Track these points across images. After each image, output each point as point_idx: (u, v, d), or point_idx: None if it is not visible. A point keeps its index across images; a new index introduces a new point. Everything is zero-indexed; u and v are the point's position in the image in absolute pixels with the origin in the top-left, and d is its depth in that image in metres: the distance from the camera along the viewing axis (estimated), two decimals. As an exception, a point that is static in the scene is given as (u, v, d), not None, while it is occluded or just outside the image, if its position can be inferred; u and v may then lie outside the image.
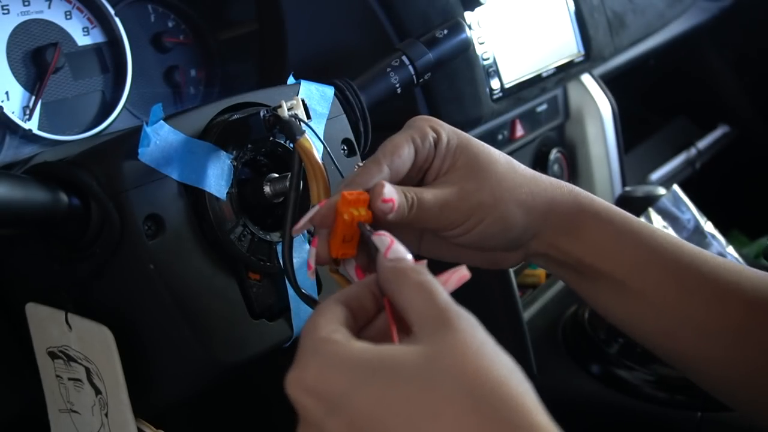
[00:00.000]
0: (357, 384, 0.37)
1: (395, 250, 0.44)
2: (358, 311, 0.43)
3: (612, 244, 0.55)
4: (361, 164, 0.54)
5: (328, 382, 0.38)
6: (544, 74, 1.05)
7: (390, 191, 0.50)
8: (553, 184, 0.57)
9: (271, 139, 0.61)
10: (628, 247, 0.55)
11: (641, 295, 0.55)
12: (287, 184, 0.58)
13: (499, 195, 0.54)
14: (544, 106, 1.16)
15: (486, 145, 0.57)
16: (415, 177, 0.56)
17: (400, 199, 0.51)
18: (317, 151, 0.64)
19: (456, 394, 0.36)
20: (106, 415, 0.58)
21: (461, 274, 0.44)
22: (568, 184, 0.58)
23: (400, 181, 0.55)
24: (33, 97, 0.76)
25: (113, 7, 0.82)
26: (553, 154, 1.17)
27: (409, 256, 0.44)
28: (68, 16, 0.80)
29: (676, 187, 1.12)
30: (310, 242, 0.63)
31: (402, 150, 0.53)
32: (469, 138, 0.56)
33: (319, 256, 0.50)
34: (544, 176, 0.58)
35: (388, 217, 0.50)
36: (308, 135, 0.56)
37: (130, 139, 0.56)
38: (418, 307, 0.40)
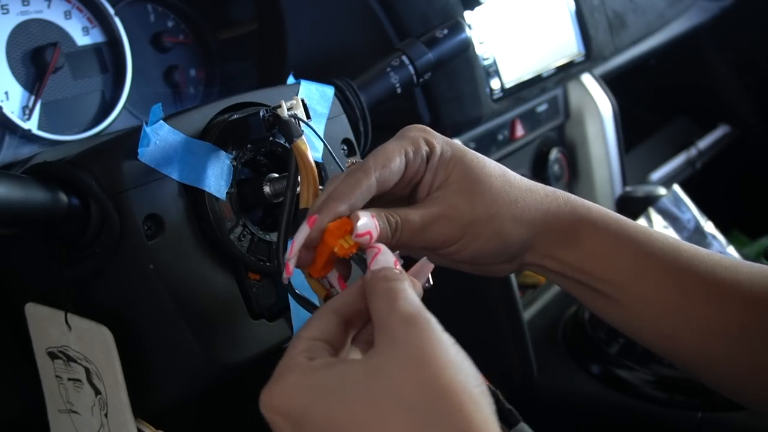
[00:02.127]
0: (313, 402, 0.40)
1: (378, 260, 0.46)
2: (355, 316, 0.45)
3: (609, 251, 0.55)
4: (350, 163, 0.53)
5: (290, 402, 0.41)
6: (545, 74, 1.05)
7: (364, 224, 0.48)
8: (548, 196, 0.56)
9: (270, 139, 0.61)
10: (626, 253, 0.55)
11: (641, 299, 0.55)
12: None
13: (493, 211, 0.53)
14: (544, 106, 1.16)
15: (481, 157, 0.55)
16: (402, 191, 0.54)
17: (382, 225, 0.49)
18: (317, 151, 0.64)
19: (396, 408, 0.38)
20: (106, 415, 0.58)
21: (424, 265, 0.47)
22: (563, 193, 0.57)
23: (388, 195, 0.54)
24: (32, 97, 0.76)
25: (113, 6, 0.82)
26: (553, 154, 1.17)
27: (392, 264, 0.46)
28: (68, 16, 0.80)
29: (676, 187, 1.12)
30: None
31: (393, 162, 0.51)
32: (464, 151, 0.54)
33: (299, 261, 0.50)
34: (539, 186, 0.56)
35: (370, 243, 0.49)
36: (308, 135, 0.56)
37: (129, 139, 0.55)
38: (379, 317, 0.43)
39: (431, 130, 0.55)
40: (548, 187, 0.57)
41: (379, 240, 0.49)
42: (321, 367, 0.42)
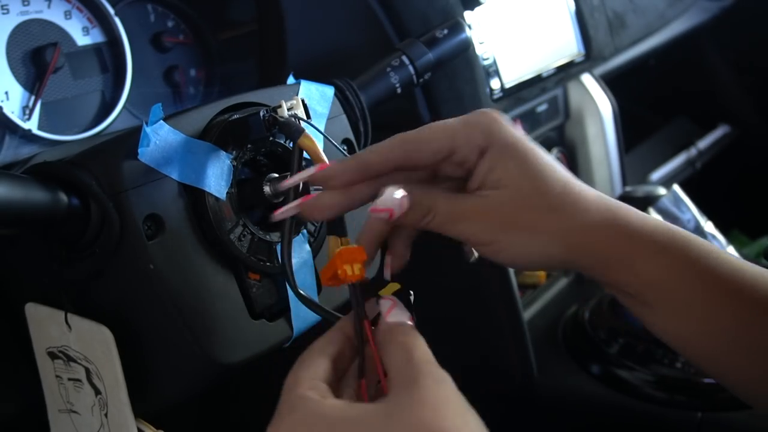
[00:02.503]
0: None
1: (395, 314, 0.48)
2: (339, 359, 0.47)
3: (668, 277, 0.50)
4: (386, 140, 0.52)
5: None
6: (545, 74, 1.05)
7: (385, 200, 0.48)
8: (601, 214, 0.50)
9: (270, 138, 0.61)
10: (686, 278, 0.50)
11: (696, 321, 0.50)
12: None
13: (534, 232, 0.49)
14: (544, 106, 1.16)
15: (549, 166, 0.50)
16: (453, 172, 0.51)
17: (412, 202, 0.49)
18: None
19: None
20: (106, 415, 0.58)
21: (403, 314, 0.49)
22: (622, 209, 0.51)
23: (441, 171, 0.52)
24: (33, 97, 0.76)
25: (113, 6, 0.82)
26: (553, 154, 1.17)
27: (406, 320, 0.48)
28: (68, 16, 0.80)
29: (676, 187, 1.12)
30: (310, 243, 0.63)
31: (428, 143, 0.49)
32: (533, 156, 0.50)
33: (321, 207, 0.51)
34: (594, 202, 0.50)
35: (390, 220, 0.49)
36: (309, 133, 0.56)
37: (129, 139, 0.55)
38: (396, 365, 0.44)
39: (503, 120, 0.51)
40: (604, 199, 0.51)
41: (410, 217, 0.49)
42: (336, 406, 0.42)
